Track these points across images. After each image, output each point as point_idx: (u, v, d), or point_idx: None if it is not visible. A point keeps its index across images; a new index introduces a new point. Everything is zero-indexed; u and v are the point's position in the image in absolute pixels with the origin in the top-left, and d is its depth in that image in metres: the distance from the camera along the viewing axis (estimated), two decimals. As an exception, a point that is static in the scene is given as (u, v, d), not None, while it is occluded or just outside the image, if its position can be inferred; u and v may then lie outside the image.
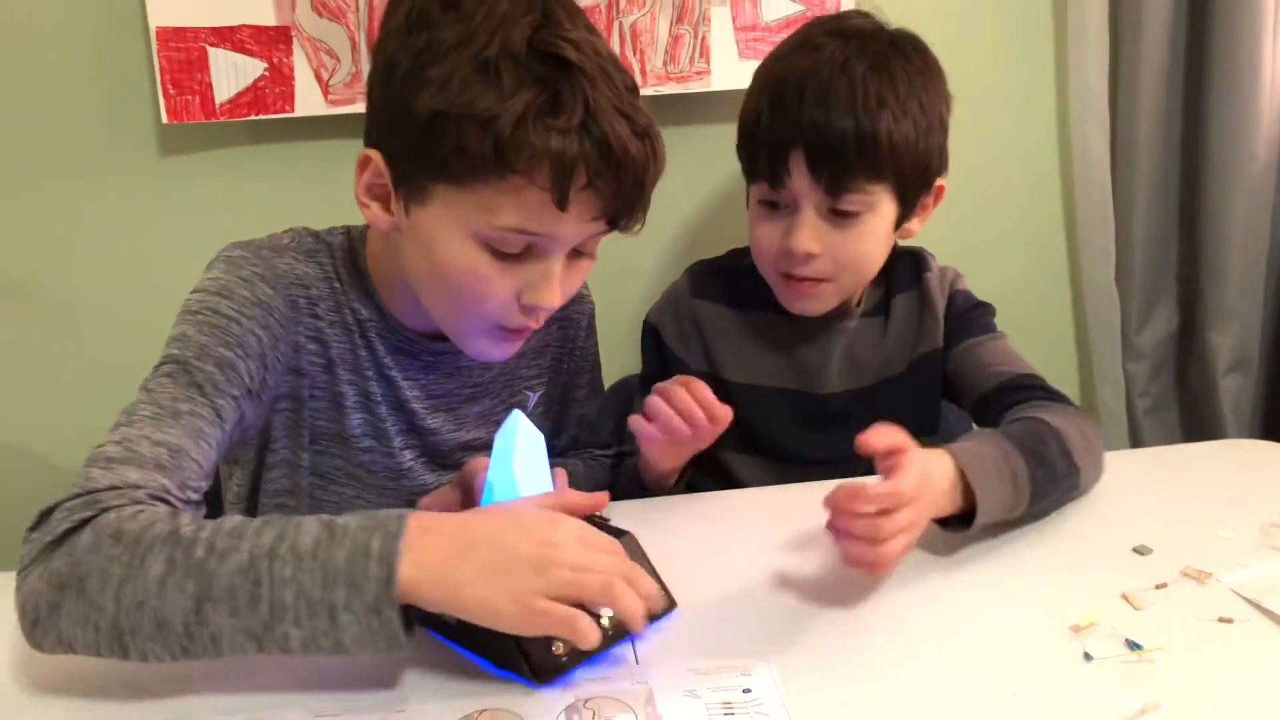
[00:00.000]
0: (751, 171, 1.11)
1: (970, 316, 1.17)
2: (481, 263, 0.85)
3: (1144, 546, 0.90)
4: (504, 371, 1.07)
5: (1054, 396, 1.04)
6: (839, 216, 1.07)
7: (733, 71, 1.38)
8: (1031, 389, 1.06)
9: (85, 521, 0.71)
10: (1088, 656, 0.75)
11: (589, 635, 0.69)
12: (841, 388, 1.18)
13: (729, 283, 1.21)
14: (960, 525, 0.88)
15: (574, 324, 1.12)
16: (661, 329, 1.22)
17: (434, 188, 0.84)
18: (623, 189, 0.83)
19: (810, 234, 1.07)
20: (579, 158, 0.80)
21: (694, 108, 1.36)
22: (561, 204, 0.81)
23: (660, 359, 1.22)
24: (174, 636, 0.68)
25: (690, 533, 0.96)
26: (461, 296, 0.87)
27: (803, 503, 1.00)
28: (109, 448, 0.77)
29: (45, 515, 0.73)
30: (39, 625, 0.70)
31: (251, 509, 1.02)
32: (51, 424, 1.42)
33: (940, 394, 1.19)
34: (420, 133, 0.81)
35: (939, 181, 1.13)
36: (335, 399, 0.96)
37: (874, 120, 1.03)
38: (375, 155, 0.87)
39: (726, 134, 1.14)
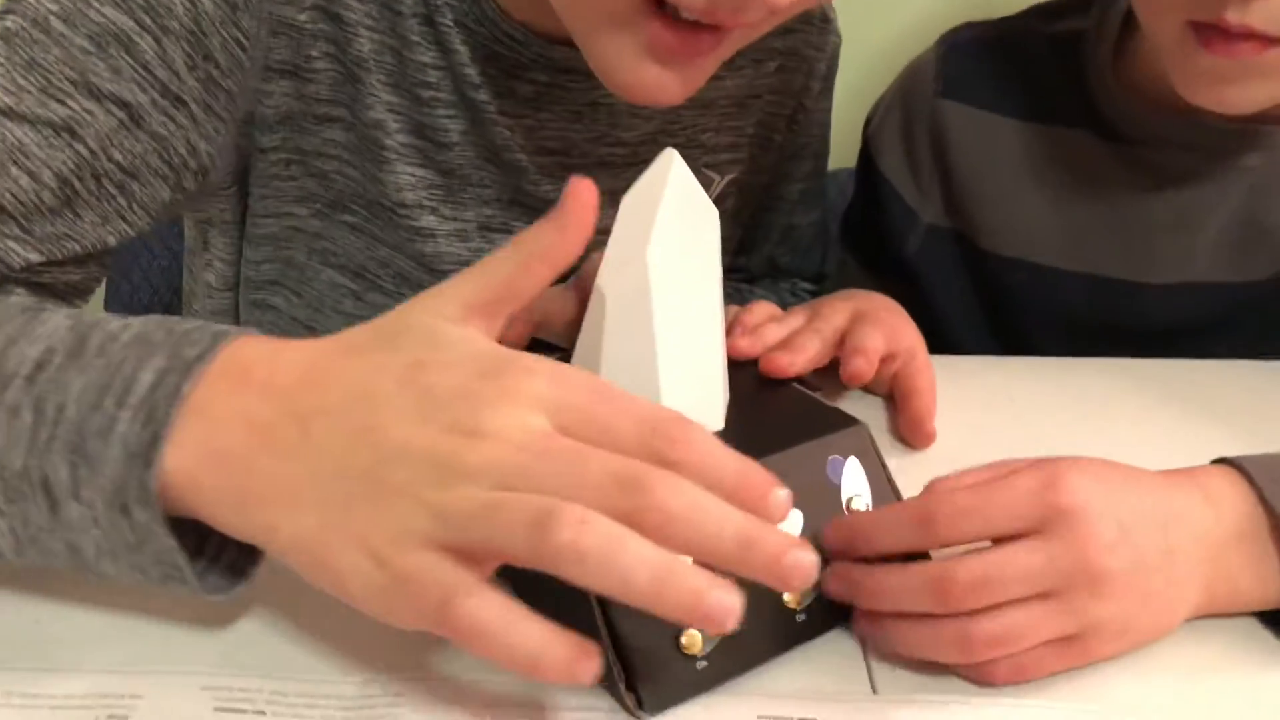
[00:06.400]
0: None
1: None
2: None
3: None
4: (672, 124, 0.62)
5: None
6: None
7: None
8: None
9: None
10: None
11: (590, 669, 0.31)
12: (1217, 277, 0.66)
13: (1015, 71, 0.68)
14: None
15: (805, 63, 0.66)
16: (878, 145, 0.73)
17: None
18: None
19: None
20: None
21: None
22: None
23: (873, 194, 0.72)
24: None
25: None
26: None
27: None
28: None
29: None
30: None
31: (235, 304, 0.64)
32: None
33: None
34: None
35: None
36: (368, 132, 0.56)
37: None
38: None
39: None
